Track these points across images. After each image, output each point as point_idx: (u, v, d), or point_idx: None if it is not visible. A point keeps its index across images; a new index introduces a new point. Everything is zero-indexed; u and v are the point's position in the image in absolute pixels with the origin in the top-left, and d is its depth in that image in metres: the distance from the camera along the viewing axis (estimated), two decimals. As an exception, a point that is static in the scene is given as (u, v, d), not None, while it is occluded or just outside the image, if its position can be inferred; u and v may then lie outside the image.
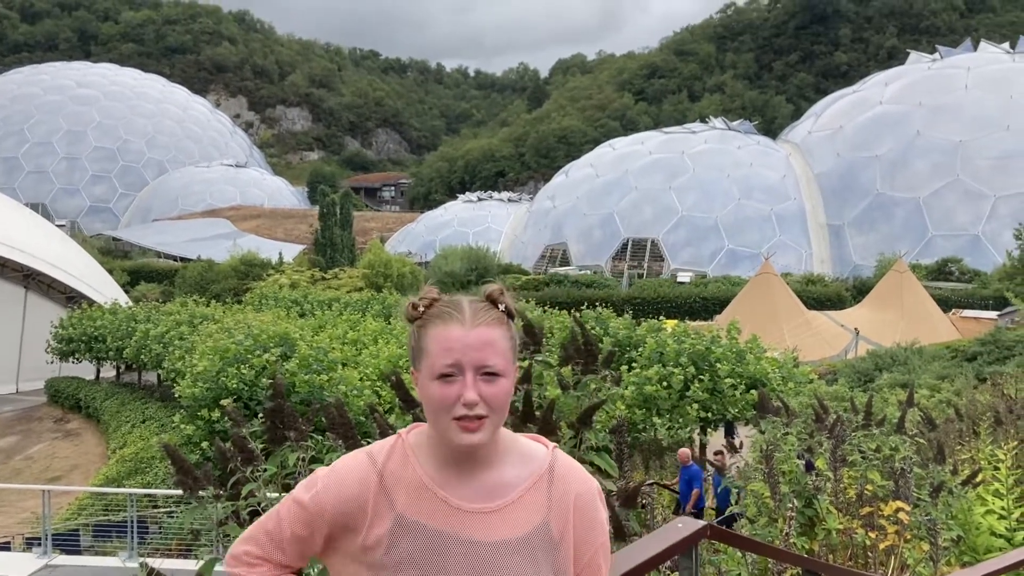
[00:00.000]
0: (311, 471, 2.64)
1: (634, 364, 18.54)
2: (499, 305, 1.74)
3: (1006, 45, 67.84)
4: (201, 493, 2.32)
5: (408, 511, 1.70)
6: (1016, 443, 7.38)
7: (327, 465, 2.70)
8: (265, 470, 2.44)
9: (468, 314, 1.69)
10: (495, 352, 1.68)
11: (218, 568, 2.36)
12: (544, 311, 30.31)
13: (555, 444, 1.85)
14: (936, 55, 69.76)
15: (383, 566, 1.69)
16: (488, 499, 1.73)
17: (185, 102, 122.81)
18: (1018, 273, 43.86)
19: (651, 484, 13.38)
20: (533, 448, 1.81)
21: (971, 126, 58.39)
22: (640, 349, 19.14)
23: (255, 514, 2.43)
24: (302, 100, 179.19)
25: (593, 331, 20.66)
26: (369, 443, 2.83)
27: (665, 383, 17.60)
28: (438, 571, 1.67)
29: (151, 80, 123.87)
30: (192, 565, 2.27)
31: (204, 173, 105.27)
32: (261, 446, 2.43)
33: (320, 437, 2.65)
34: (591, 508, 1.80)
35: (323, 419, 2.65)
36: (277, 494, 2.50)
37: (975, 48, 69.01)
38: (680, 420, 17.61)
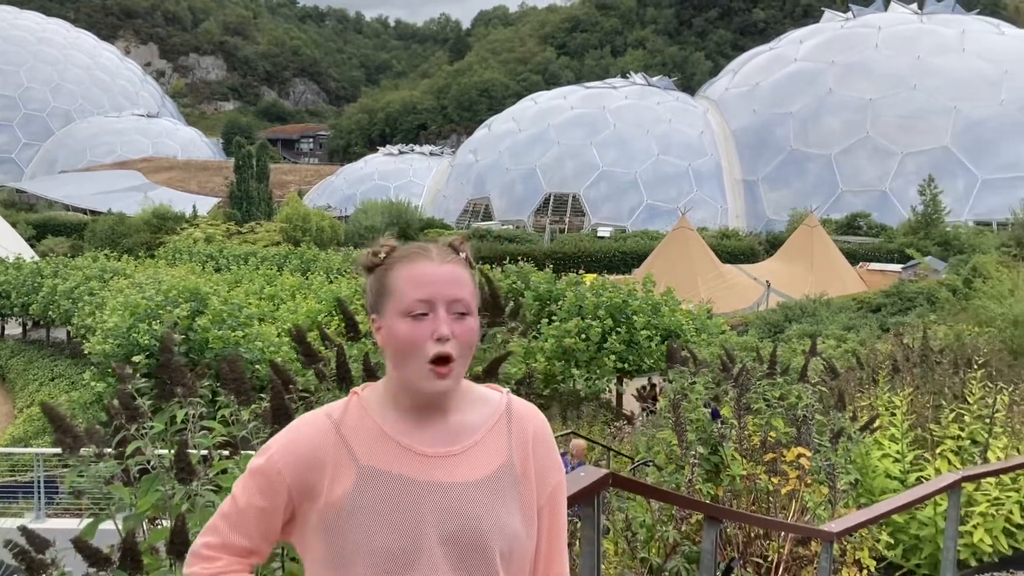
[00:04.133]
0: (201, 428, 2.60)
1: (554, 317, 18.70)
2: (459, 253, 1.73)
3: (914, 5, 69.49)
4: (83, 451, 2.26)
5: (371, 461, 1.66)
6: (911, 390, 7.70)
7: (220, 422, 2.67)
8: (152, 427, 2.38)
9: (435, 252, 1.69)
10: (465, 288, 1.68)
11: (103, 527, 2.31)
12: (465, 265, 30.15)
13: (507, 389, 1.87)
14: (849, 13, 71.09)
15: (350, 522, 1.64)
16: (452, 443, 1.71)
17: (92, 49, 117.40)
18: (921, 228, 45.61)
19: (568, 434, 13.60)
20: (488, 393, 1.82)
21: (881, 85, 59.86)
22: (560, 303, 19.31)
23: (144, 471, 2.38)
24: (216, 48, 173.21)
25: (515, 285, 20.75)
26: (263, 398, 2.80)
27: (584, 335, 17.83)
28: (408, 516, 1.64)
29: (55, 24, 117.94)
30: (105, 525, 2.22)
31: (114, 123, 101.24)
32: (149, 403, 2.38)
33: (209, 394, 2.59)
34: (548, 443, 1.82)
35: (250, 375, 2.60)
36: (166, 451, 2.44)
37: (885, 8, 70.53)
38: (598, 371, 17.90)
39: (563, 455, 9.64)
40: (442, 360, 1.64)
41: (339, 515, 1.64)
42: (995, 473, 6.43)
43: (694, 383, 6.27)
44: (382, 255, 1.71)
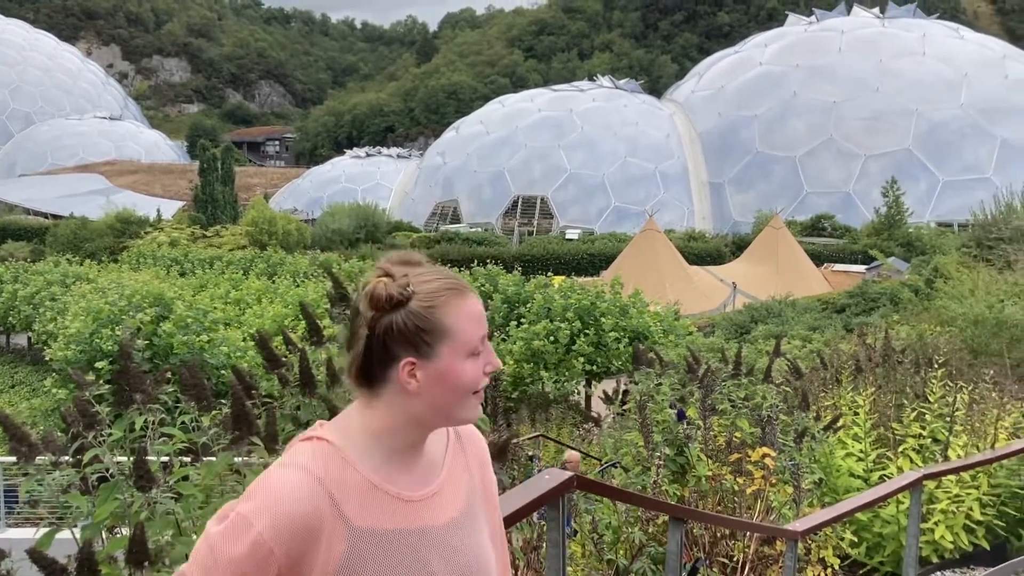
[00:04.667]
0: (161, 434, 2.56)
1: (523, 320, 18.72)
2: None
3: (876, 10, 70.48)
4: (39, 460, 2.22)
5: (364, 521, 1.51)
6: (874, 389, 7.80)
7: (180, 428, 2.64)
8: (111, 435, 2.35)
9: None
10: None
11: (62, 536, 2.28)
12: (433, 268, 30.03)
13: None
14: (813, 17, 71.93)
15: None
16: (430, 479, 1.62)
17: (53, 50, 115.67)
18: (884, 229, 46.23)
19: (536, 437, 13.62)
20: None
21: (844, 88, 60.63)
22: (529, 305, 19.34)
23: (103, 479, 2.35)
24: (180, 50, 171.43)
25: (483, 288, 20.73)
26: (223, 403, 2.77)
27: (552, 338, 17.85)
28: (414, 571, 1.54)
29: (14, 25, 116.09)
30: (64, 534, 2.18)
31: (76, 126, 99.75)
32: (109, 410, 2.35)
33: (170, 400, 2.57)
34: (488, 454, 1.78)
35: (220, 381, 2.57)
36: (125, 458, 2.41)
37: (848, 12, 71.45)
38: (567, 373, 17.94)
39: (531, 458, 9.63)
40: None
41: None
42: (956, 471, 6.53)
43: (660, 384, 6.30)
44: (410, 289, 1.51)
